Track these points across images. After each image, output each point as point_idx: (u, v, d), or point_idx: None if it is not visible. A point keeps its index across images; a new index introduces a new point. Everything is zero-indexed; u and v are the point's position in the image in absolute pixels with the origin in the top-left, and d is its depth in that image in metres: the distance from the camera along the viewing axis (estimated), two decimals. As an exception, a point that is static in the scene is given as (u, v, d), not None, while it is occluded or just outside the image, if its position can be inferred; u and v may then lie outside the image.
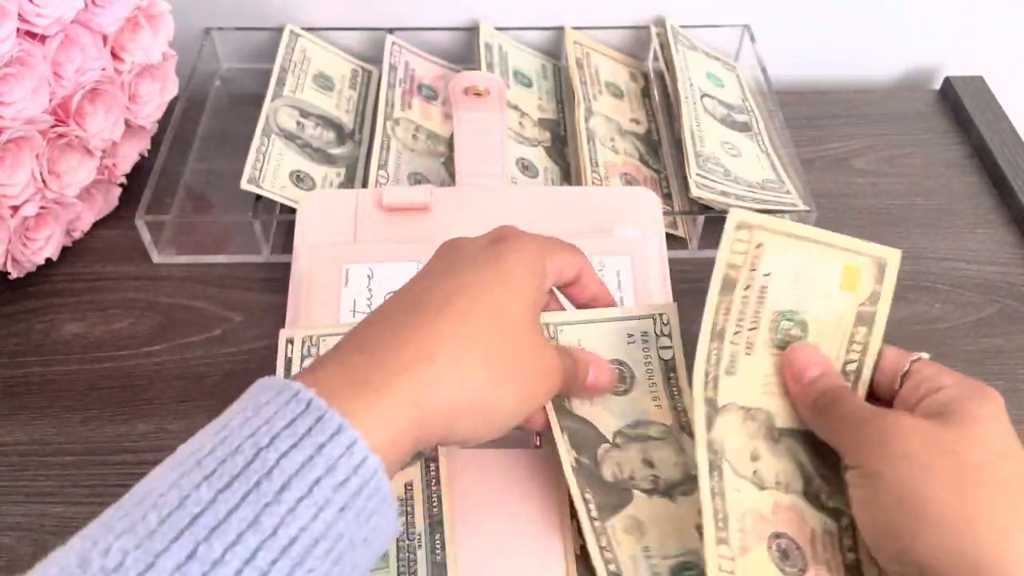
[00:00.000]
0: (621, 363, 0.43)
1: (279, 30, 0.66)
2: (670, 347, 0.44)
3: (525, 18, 0.70)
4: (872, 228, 0.60)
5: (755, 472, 0.37)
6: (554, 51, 0.71)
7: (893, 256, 0.42)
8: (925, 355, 0.40)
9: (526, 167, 0.60)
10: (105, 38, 0.53)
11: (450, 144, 0.62)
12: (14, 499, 0.45)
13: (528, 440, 0.44)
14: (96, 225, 0.59)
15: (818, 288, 0.40)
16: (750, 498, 0.36)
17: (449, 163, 0.60)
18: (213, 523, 0.25)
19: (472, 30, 0.69)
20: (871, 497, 0.35)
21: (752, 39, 0.69)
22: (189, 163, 0.62)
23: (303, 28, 0.67)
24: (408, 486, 0.40)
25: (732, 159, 0.60)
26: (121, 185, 0.60)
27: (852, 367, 0.40)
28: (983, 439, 0.34)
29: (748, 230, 0.39)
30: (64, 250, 0.56)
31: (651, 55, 0.71)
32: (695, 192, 0.55)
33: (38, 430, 0.48)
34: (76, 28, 0.51)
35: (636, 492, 0.39)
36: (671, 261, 0.50)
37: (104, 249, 0.58)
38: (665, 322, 0.44)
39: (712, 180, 0.57)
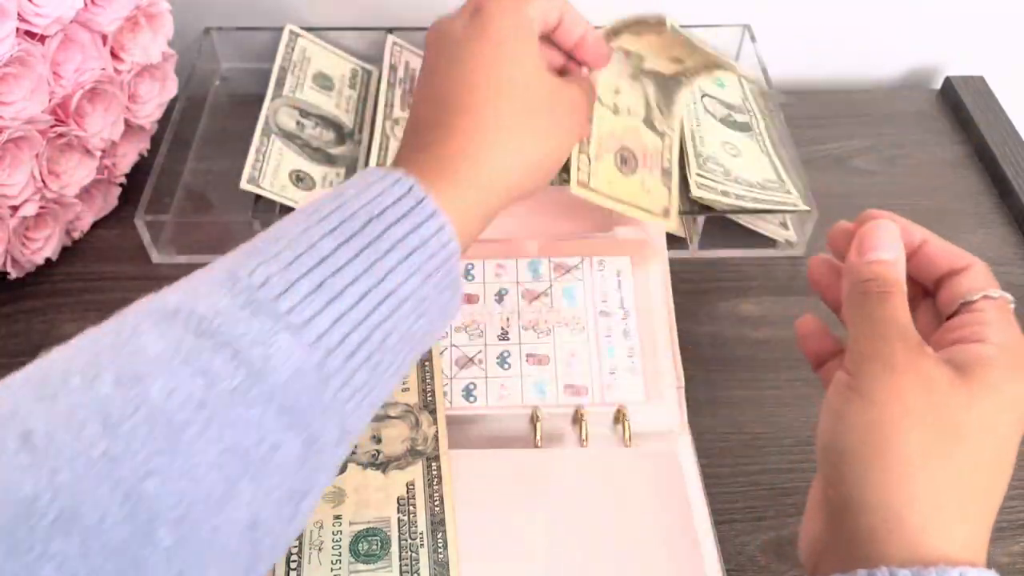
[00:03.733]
0: None
1: (279, 30, 0.66)
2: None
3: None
4: (872, 228, 0.60)
5: (615, 103, 0.47)
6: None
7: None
8: (1005, 295, 0.34)
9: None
10: (105, 38, 0.53)
11: (450, 144, 0.62)
12: (14, 499, 0.45)
13: (528, 440, 0.44)
14: (96, 225, 0.59)
15: None
16: (608, 122, 0.47)
17: (449, 163, 0.60)
18: (335, 267, 0.30)
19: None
20: (845, 413, 0.32)
21: (752, 39, 0.69)
22: (189, 163, 0.62)
23: (303, 28, 0.67)
24: (410, 485, 0.41)
25: (732, 159, 0.60)
26: (121, 185, 0.60)
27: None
28: (982, 415, 0.31)
29: None
30: (64, 250, 0.56)
31: (651, 55, 0.71)
32: (695, 192, 0.55)
33: (38, 430, 0.48)
34: (75, 28, 0.51)
35: (352, 465, 0.41)
36: (671, 261, 0.50)
37: (104, 249, 0.58)
38: None
39: (712, 180, 0.57)
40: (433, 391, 0.44)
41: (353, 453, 0.41)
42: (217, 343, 0.28)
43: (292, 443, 0.28)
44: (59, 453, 0.25)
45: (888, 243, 0.35)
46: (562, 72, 0.44)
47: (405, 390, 0.44)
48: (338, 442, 0.31)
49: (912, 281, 0.36)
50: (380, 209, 0.32)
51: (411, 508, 0.40)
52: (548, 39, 0.42)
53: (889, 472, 0.30)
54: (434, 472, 0.41)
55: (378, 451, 0.41)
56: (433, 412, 0.43)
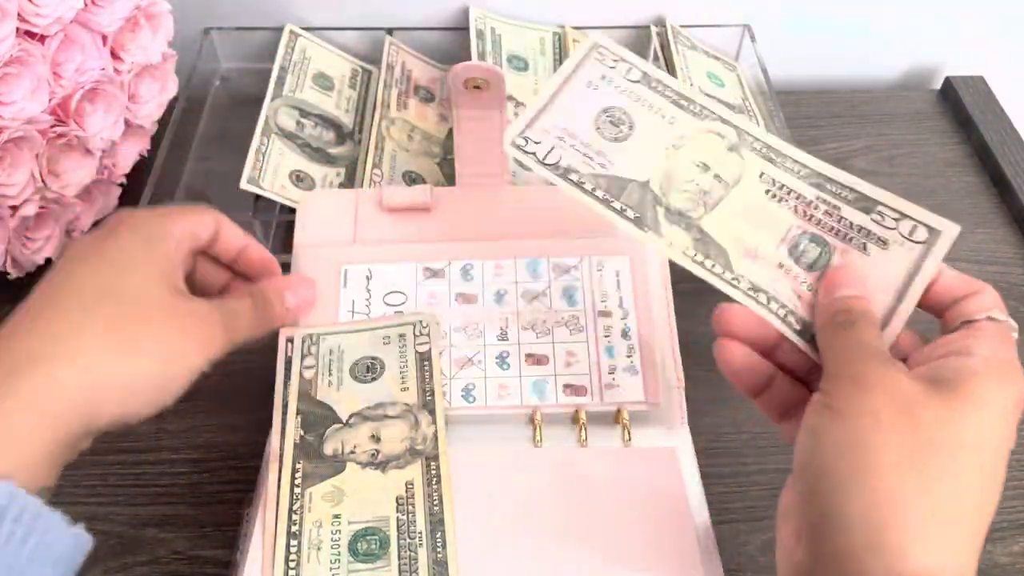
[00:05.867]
0: (373, 358, 0.45)
1: (279, 30, 0.66)
2: (427, 343, 0.45)
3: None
4: (872, 228, 0.60)
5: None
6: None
7: None
8: (1010, 321, 0.34)
9: (524, 161, 0.60)
10: (105, 38, 0.53)
11: (444, 145, 0.62)
12: (14, 499, 0.45)
13: (528, 440, 0.44)
14: (96, 225, 0.59)
15: None
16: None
17: (444, 163, 0.60)
18: None
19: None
20: (820, 430, 0.31)
21: (752, 39, 0.69)
22: (189, 163, 0.62)
23: (303, 28, 0.67)
24: (409, 484, 0.41)
25: (732, 159, 0.60)
26: (121, 185, 0.60)
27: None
28: (962, 429, 0.30)
29: None
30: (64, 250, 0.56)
31: (651, 55, 0.71)
32: (695, 192, 0.55)
33: (38, 430, 0.48)
34: (76, 28, 0.51)
35: (351, 464, 0.41)
36: (671, 261, 0.50)
37: (104, 249, 0.58)
38: (424, 326, 0.46)
39: (712, 180, 0.57)
40: (432, 391, 0.44)
41: (352, 452, 0.41)
42: None
43: None
44: None
45: (852, 281, 0.36)
46: (223, 290, 0.43)
47: (404, 389, 0.44)
48: None
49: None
50: None
51: (410, 507, 0.40)
52: (209, 255, 0.42)
53: (867, 488, 0.29)
54: (433, 471, 0.41)
55: (377, 450, 0.41)
56: (432, 412, 0.43)
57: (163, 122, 0.60)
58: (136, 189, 0.58)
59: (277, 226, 0.58)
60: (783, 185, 0.38)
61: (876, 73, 0.75)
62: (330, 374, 0.44)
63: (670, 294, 0.49)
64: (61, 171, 0.53)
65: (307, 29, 0.67)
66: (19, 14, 0.47)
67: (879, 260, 0.36)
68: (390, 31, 0.68)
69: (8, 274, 0.53)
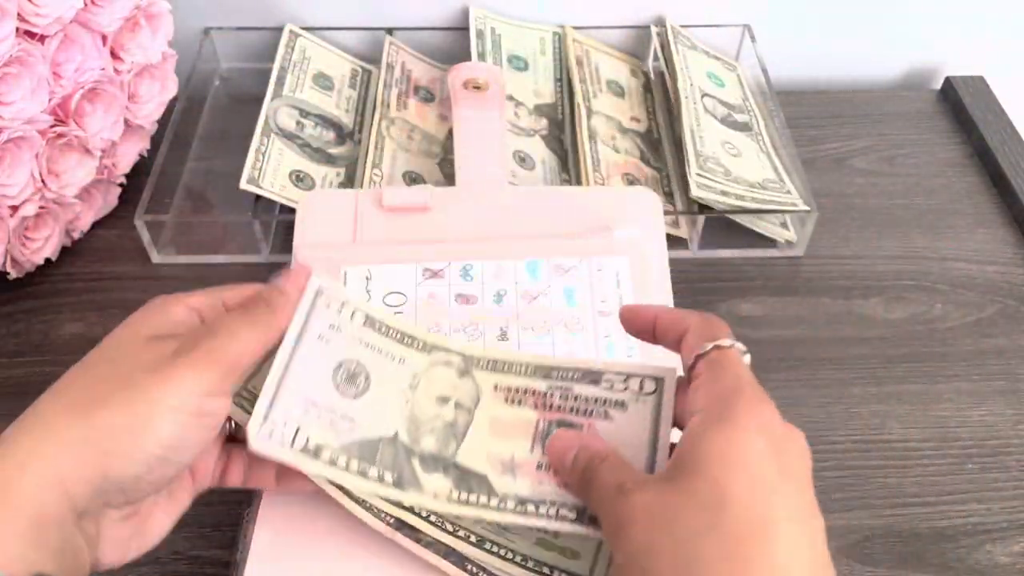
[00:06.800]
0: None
1: (279, 30, 0.66)
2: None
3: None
4: (872, 228, 0.60)
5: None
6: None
7: None
8: (723, 344, 0.33)
9: (523, 159, 0.60)
10: (104, 38, 0.53)
11: (444, 145, 0.62)
12: (13, 499, 0.45)
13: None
14: (95, 225, 0.59)
15: None
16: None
17: (444, 163, 0.60)
18: None
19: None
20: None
21: (752, 39, 0.69)
22: (188, 163, 0.62)
23: (303, 28, 0.67)
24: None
25: (732, 159, 0.60)
26: (120, 185, 0.60)
27: None
28: (700, 494, 0.28)
29: None
30: (63, 250, 0.56)
31: (651, 55, 0.71)
32: (695, 192, 0.55)
33: (37, 430, 0.48)
34: (75, 28, 0.51)
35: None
36: (671, 261, 0.50)
37: (103, 249, 0.58)
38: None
39: (712, 180, 0.57)
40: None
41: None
42: None
43: None
44: None
45: (568, 443, 0.35)
46: None
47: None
48: None
49: None
50: None
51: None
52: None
53: None
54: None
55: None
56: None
57: (163, 122, 0.60)
58: (136, 189, 0.58)
59: (277, 226, 0.58)
60: (516, 388, 0.38)
61: (876, 73, 0.75)
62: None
63: (670, 295, 0.49)
64: (61, 171, 0.53)
65: (307, 29, 0.67)
66: (19, 14, 0.47)
67: (623, 422, 0.36)
68: (390, 31, 0.68)
69: (8, 274, 0.53)
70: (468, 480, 0.36)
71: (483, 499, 0.36)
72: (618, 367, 0.37)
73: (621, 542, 0.29)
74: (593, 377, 0.38)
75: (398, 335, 0.39)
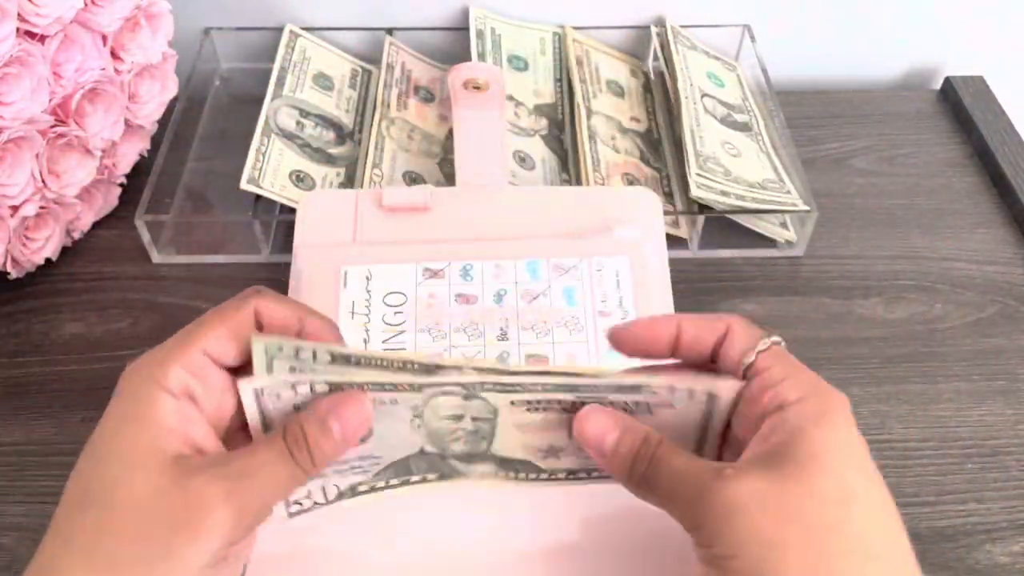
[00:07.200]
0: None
1: (279, 30, 0.66)
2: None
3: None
4: (872, 228, 0.60)
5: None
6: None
7: None
8: (775, 339, 0.32)
9: (523, 159, 0.60)
10: (105, 38, 0.53)
11: (444, 145, 0.62)
12: (14, 499, 0.45)
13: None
14: (96, 225, 0.59)
15: None
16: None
17: (444, 163, 0.61)
18: None
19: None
20: None
21: (752, 39, 0.69)
22: (189, 163, 0.62)
23: (303, 28, 0.67)
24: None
25: (732, 159, 0.60)
26: (121, 185, 0.60)
27: None
28: (825, 488, 0.28)
29: None
30: (64, 250, 0.56)
31: (651, 55, 0.71)
32: (695, 192, 0.55)
33: (38, 430, 0.48)
34: (76, 28, 0.51)
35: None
36: (671, 261, 0.50)
37: (104, 249, 0.58)
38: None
39: (712, 180, 0.57)
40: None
41: None
42: None
43: None
44: None
45: (605, 423, 0.32)
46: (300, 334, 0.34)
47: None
48: None
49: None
50: None
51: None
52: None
53: None
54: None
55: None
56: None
57: (163, 122, 0.60)
58: (136, 189, 0.58)
59: (277, 226, 0.58)
60: (539, 401, 0.33)
61: (876, 73, 0.75)
62: None
63: (670, 294, 0.49)
64: (61, 171, 0.53)
65: (307, 29, 0.67)
66: (19, 14, 0.47)
67: (669, 416, 0.33)
68: (390, 31, 0.68)
69: (8, 274, 0.53)
70: (512, 464, 0.35)
71: (532, 476, 0.35)
72: (662, 381, 0.32)
73: (726, 530, 0.28)
74: (630, 391, 0.33)
75: (377, 387, 0.33)
